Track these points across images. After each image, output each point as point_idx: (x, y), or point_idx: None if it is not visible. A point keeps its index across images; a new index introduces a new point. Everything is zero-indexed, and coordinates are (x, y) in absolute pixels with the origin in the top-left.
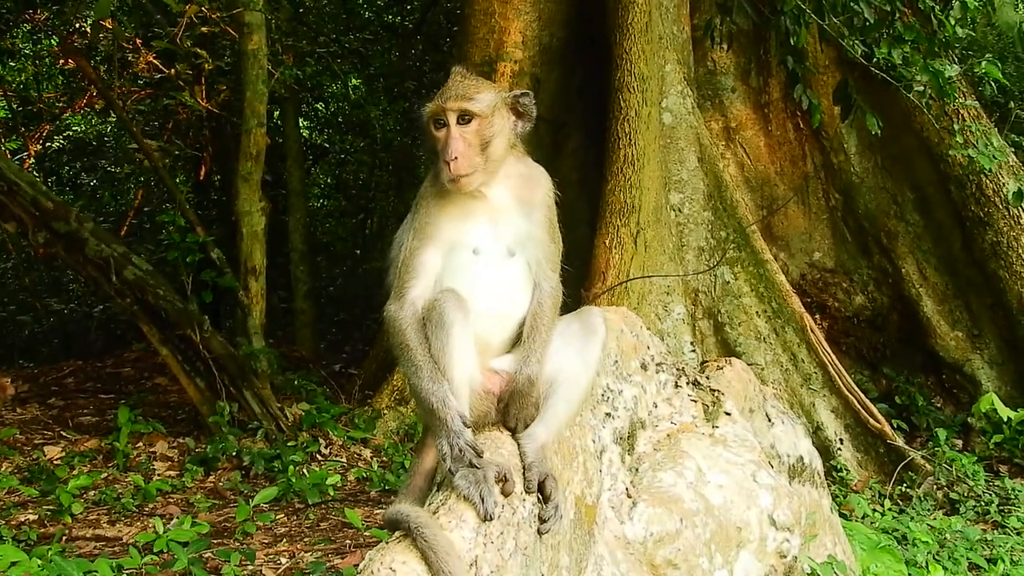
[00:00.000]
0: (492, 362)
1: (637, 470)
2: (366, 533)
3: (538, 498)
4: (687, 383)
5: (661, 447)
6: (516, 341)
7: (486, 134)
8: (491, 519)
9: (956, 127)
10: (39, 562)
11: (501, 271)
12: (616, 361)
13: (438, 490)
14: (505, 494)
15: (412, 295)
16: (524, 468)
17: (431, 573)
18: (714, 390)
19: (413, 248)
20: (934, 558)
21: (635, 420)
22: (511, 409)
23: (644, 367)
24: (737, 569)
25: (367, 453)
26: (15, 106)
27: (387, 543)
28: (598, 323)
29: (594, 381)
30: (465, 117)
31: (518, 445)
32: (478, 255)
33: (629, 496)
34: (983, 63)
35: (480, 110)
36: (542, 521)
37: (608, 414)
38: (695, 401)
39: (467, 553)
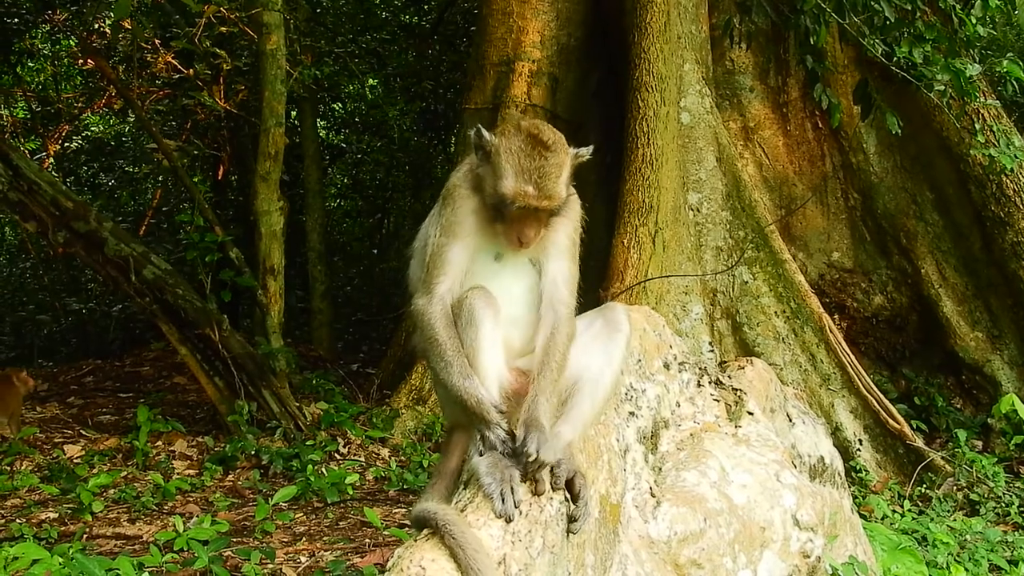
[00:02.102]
0: (516, 362)
1: (660, 469)
2: (385, 532)
3: (565, 496)
4: (709, 382)
5: (684, 446)
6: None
7: (556, 211)
8: (509, 520)
9: (977, 127)
10: (60, 560)
11: (521, 278)
12: (639, 360)
13: (464, 488)
14: (537, 494)
15: (441, 290)
16: (552, 466)
17: (460, 571)
18: (736, 389)
19: (441, 244)
20: (955, 559)
21: (658, 419)
22: (528, 436)
23: (667, 366)
24: (761, 569)
25: (385, 452)
26: (34, 106)
27: (416, 541)
28: (622, 320)
29: (619, 379)
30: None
31: None
32: (499, 261)
33: (653, 495)
34: (1004, 62)
35: (561, 203)
36: (572, 520)
37: (632, 413)
38: (718, 400)
39: (495, 551)
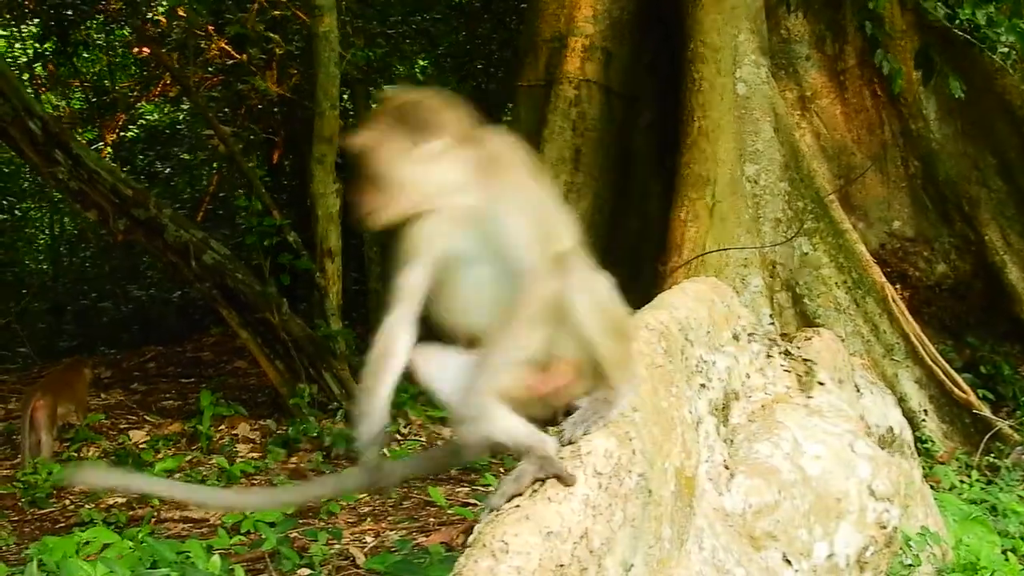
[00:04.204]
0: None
1: (733, 441)
2: (449, 511)
3: None
4: (779, 353)
5: (756, 418)
6: None
7: (380, 168)
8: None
9: None
10: (130, 544)
11: (487, 273)
12: (708, 331)
13: None
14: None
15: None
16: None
17: None
18: (806, 360)
19: (399, 265)
20: None
21: (729, 391)
22: None
23: (736, 337)
24: (837, 540)
25: (446, 432)
26: (90, 97)
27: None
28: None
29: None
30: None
31: None
32: (462, 263)
33: (726, 467)
34: None
35: (361, 145)
36: None
37: (702, 385)
38: (788, 371)
39: (577, 525)
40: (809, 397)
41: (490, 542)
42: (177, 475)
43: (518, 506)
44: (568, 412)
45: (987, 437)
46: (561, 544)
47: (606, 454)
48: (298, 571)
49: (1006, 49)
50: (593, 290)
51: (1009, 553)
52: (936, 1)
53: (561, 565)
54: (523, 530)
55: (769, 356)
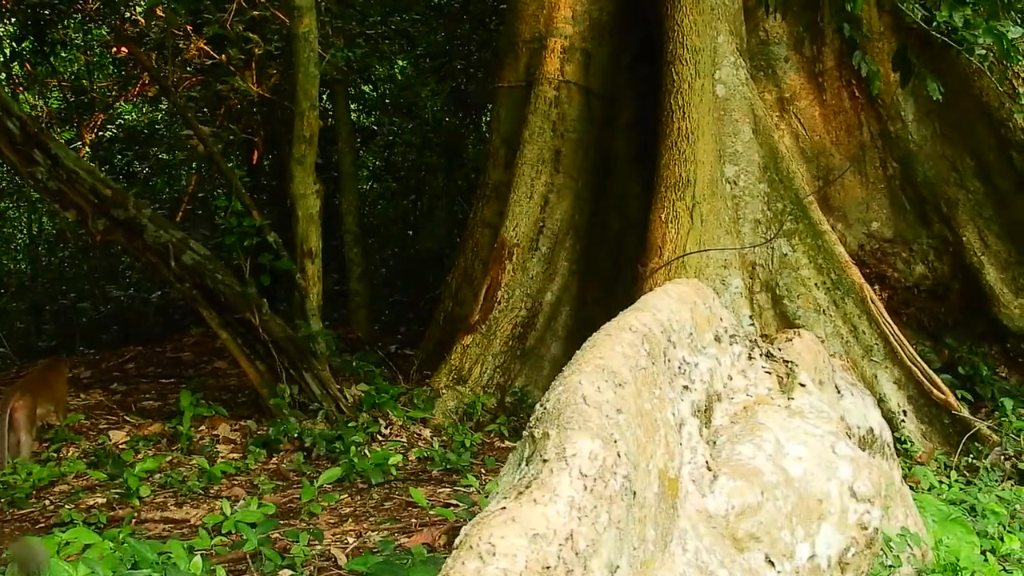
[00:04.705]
0: None
1: (715, 443)
2: (431, 512)
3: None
4: (760, 355)
5: (738, 420)
6: None
7: None
8: None
9: (1020, 90)
10: (111, 544)
11: None
12: (691, 333)
13: (527, 464)
14: None
15: None
16: None
17: None
18: (787, 361)
19: None
20: (1006, 529)
21: (711, 393)
22: None
23: (718, 339)
24: (819, 541)
25: (427, 433)
26: (68, 96)
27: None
28: None
29: None
30: None
31: None
32: None
33: (709, 469)
34: None
35: None
36: None
37: (685, 387)
38: (769, 373)
39: (562, 527)
40: (790, 399)
41: (477, 544)
42: (157, 475)
43: (504, 508)
44: None
45: (966, 438)
46: (547, 546)
47: (591, 456)
48: (280, 572)
49: (983, 51)
50: None
51: (988, 553)
52: (913, 3)
53: (547, 567)
54: (509, 532)
55: (750, 358)
